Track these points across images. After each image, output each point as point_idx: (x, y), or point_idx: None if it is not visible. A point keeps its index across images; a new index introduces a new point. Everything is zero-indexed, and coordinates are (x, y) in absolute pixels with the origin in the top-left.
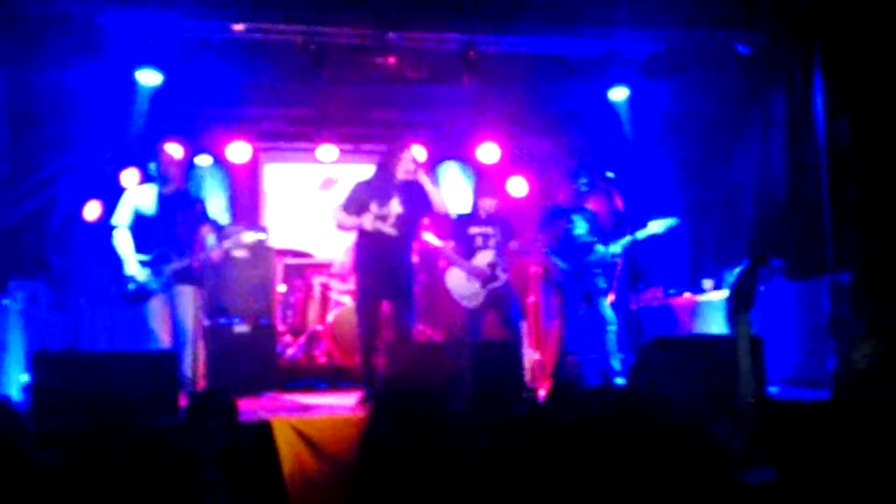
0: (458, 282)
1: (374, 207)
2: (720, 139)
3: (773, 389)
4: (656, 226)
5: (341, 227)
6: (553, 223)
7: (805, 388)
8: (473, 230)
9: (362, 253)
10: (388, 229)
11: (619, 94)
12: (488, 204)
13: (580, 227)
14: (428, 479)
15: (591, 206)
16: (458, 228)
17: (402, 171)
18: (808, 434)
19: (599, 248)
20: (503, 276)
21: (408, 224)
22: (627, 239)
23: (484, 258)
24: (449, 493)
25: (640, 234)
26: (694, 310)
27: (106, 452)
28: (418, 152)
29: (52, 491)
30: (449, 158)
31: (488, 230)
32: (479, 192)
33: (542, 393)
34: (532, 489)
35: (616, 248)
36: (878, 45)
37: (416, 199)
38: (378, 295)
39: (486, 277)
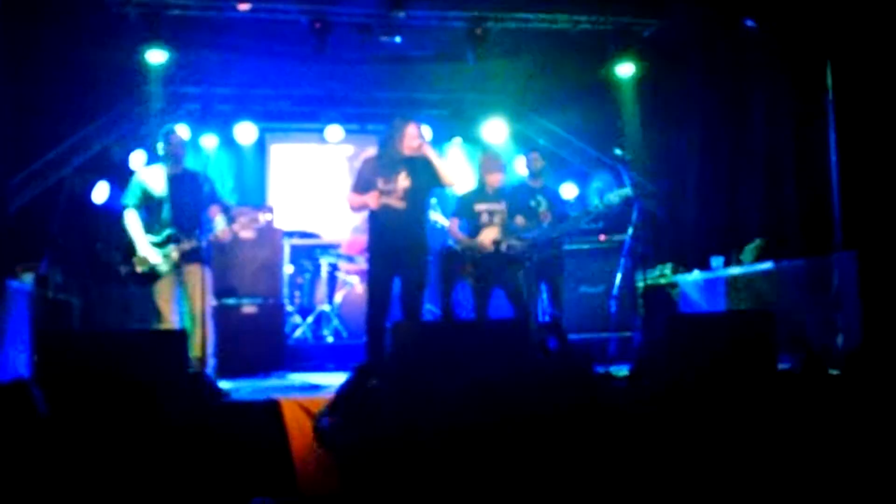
0: None
1: (380, 183)
2: (728, 115)
3: (782, 366)
4: (612, 197)
5: (352, 207)
6: (518, 201)
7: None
8: (479, 207)
9: (373, 230)
10: (397, 202)
11: (625, 70)
12: (493, 179)
13: (542, 205)
14: (430, 458)
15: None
16: (463, 205)
17: (405, 146)
18: (818, 408)
19: (558, 226)
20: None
21: (417, 197)
22: (584, 213)
23: (488, 235)
24: (461, 472)
25: (595, 207)
26: (703, 288)
27: None
28: (421, 126)
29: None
30: (455, 136)
31: (495, 206)
32: (485, 169)
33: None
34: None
35: (579, 222)
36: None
37: (423, 172)
38: (388, 272)
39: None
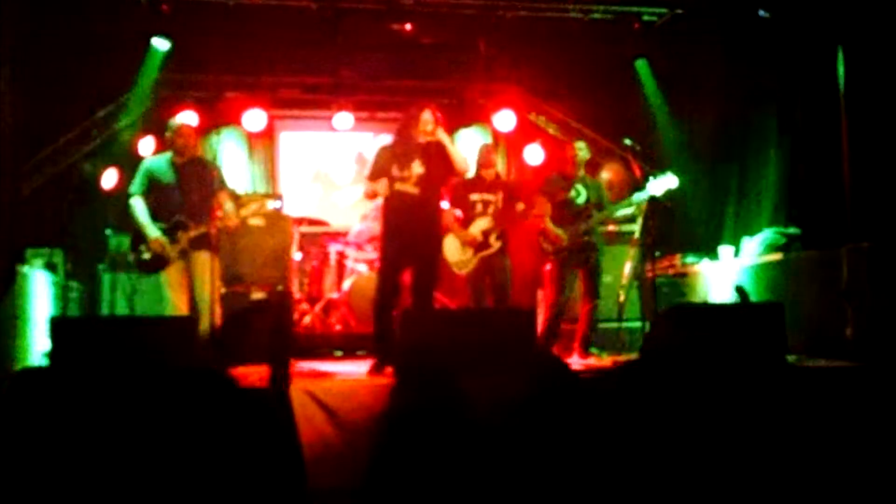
0: (452, 249)
1: (394, 170)
2: (738, 106)
3: (791, 357)
4: (655, 188)
5: (367, 195)
6: (552, 191)
7: (823, 356)
8: (475, 197)
9: (387, 216)
10: (410, 188)
11: (635, 59)
12: (489, 173)
13: (580, 196)
14: (448, 447)
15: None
16: (460, 194)
17: (420, 133)
18: (826, 402)
19: (597, 215)
20: (496, 244)
21: (431, 184)
22: (625, 202)
23: (479, 226)
24: (468, 461)
25: (638, 198)
26: (713, 278)
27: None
28: (435, 112)
29: None
30: (466, 125)
31: (489, 197)
32: (482, 160)
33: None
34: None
35: (615, 211)
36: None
37: (437, 159)
38: (400, 259)
39: (478, 245)
